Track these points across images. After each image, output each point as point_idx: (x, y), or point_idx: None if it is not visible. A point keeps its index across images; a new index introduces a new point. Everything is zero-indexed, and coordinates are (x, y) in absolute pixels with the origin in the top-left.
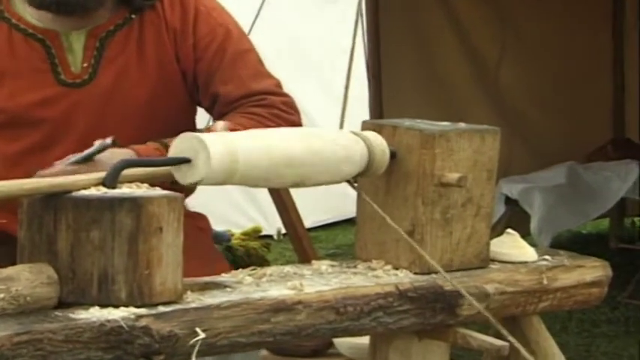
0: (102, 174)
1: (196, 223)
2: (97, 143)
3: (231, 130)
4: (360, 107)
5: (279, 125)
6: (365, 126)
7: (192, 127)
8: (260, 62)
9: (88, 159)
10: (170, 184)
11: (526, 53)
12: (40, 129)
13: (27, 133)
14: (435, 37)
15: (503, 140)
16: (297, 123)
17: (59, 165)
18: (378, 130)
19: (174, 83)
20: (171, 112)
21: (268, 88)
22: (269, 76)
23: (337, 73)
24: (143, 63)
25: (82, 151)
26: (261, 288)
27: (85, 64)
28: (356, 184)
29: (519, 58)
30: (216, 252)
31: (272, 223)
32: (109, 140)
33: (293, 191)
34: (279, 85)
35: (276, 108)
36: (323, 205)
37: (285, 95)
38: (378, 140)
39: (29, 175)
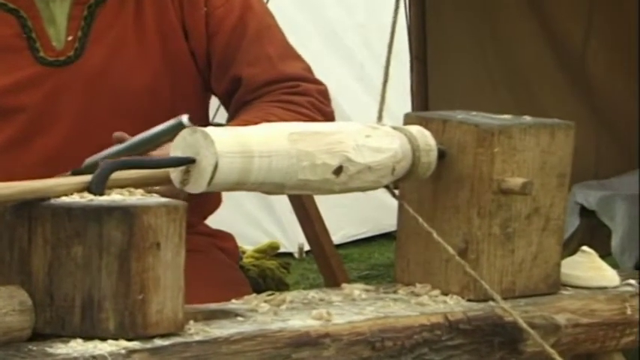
0: (86, 177)
1: (217, 242)
2: (171, 121)
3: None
4: (400, 97)
5: (315, 118)
6: (408, 119)
7: (204, 119)
8: (287, 41)
9: (153, 141)
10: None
11: (618, 31)
12: (17, 119)
13: (1, 125)
14: (498, 9)
15: (586, 138)
16: (332, 117)
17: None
18: (424, 124)
19: (181, 63)
20: (177, 98)
21: (300, 72)
22: (298, 58)
23: (373, 55)
24: (142, 37)
25: (68, 145)
26: (280, 317)
27: (70, 38)
28: (396, 191)
29: (609, 37)
30: (241, 278)
31: (292, 239)
32: (184, 118)
33: (318, 200)
34: (309, 69)
35: (312, 97)
36: (355, 216)
37: (319, 82)
38: (423, 137)
39: (10, 176)
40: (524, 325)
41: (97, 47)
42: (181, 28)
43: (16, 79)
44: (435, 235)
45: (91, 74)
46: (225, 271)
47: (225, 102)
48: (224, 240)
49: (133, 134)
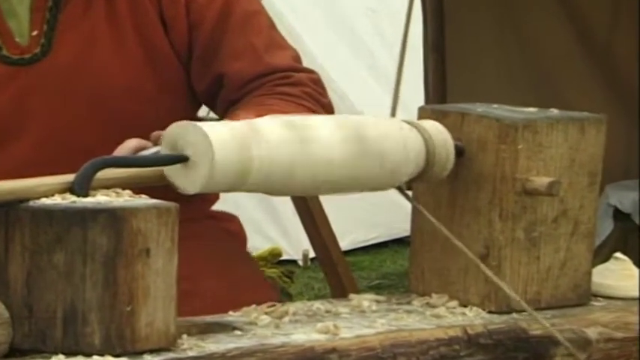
0: (69, 177)
1: (224, 225)
2: None
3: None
4: (414, 89)
5: (314, 110)
6: (423, 113)
7: (194, 116)
8: (274, 27)
9: None
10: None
11: None
12: None
13: None
14: None
15: (614, 134)
16: (329, 108)
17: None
18: (441, 118)
19: (162, 57)
20: (162, 95)
21: (289, 63)
22: (286, 45)
23: (384, 43)
24: (116, 30)
25: (39, 153)
26: (283, 331)
27: (35, 33)
28: (410, 192)
29: (637, 26)
30: (258, 272)
31: (296, 245)
32: None
33: (325, 202)
34: (298, 57)
35: (307, 87)
36: (365, 220)
37: (311, 71)
38: (439, 132)
39: None
40: (559, 336)
41: (66, 42)
42: (159, 18)
43: None
44: (454, 240)
45: (62, 73)
46: (238, 263)
47: (208, 102)
48: (230, 222)
49: (114, 137)
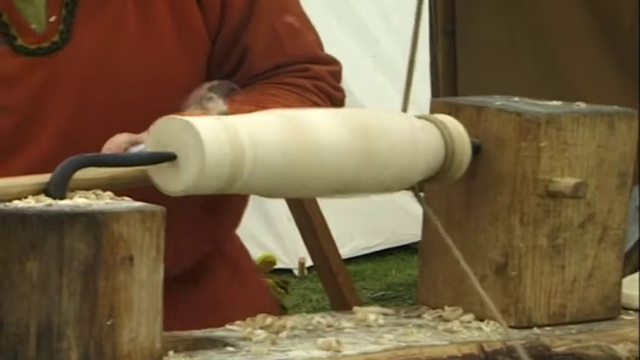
0: (44, 177)
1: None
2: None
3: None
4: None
5: (320, 103)
6: (435, 106)
7: None
8: (299, 6)
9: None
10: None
11: None
12: None
13: None
14: None
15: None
16: (341, 103)
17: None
18: (454, 112)
19: (196, 38)
20: (194, 84)
21: (309, 52)
22: (309, 29)
23: (390, 29)
24: (147, 10)
25: (62, 150)
26: (279, 347)
27: (53, 19)
28: (422, 194)
29: None
30: (260, 282)
31: (292, 252)
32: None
33: (324, 205)
34: (320, 42)
35: (322, 81)
36: (368, 225)
37: (332, 62)
38: (455, 128)
39: None
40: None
41: (87, 28)
42: None
43: None
44: (451, 245)
45: (84, 63)
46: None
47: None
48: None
49: (140, 129)
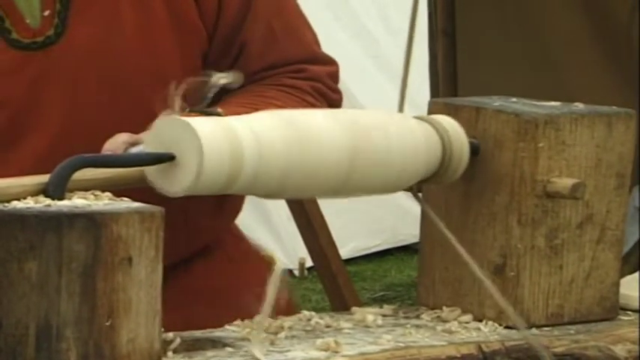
0: (43, 177)
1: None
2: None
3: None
4: (419, 81)
5: (317, 105)
6: (434, 107)
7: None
8: (297, 6)
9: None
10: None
11: None
12: None
13: None
14: None
15: (637, 130)
16: (337, 104)
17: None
18: (453, 112)
19: (192, 31)
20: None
21: (306, 52)
22: (306, 28)
23: (389, 29)
24: (140, 2)
25: (59, 144)
26: (278, 348)
27: (47, 13)
28: (420, 195)
29: None
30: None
31: (292, 253)
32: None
33: (324, 205)
34: (317, 41)
35: (319, 82)
36: (368, 225)
37: (329, 62)
38: (454, 129)
39: None
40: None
41: (82, 21)
42: None
43: None
44: (458, 247)
45: (79, 57)
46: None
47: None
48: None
49: (139, 127)
